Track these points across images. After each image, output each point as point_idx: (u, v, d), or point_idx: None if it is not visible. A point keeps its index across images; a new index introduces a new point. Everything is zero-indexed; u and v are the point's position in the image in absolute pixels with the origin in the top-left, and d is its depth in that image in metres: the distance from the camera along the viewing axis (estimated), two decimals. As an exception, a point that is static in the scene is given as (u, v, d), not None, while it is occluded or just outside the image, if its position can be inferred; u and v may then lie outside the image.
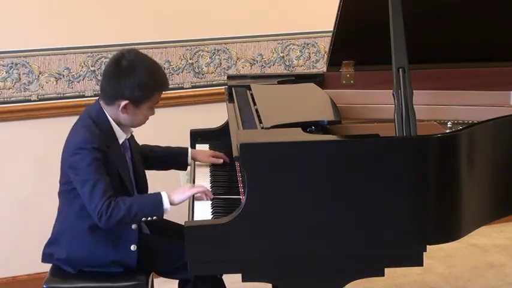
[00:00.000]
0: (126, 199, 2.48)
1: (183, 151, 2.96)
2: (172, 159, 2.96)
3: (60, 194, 2.68)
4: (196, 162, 2.96)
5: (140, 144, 2.90)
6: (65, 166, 2.60)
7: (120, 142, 2.64)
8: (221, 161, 2.91)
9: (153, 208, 2.48)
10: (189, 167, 2.96)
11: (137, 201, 2.49)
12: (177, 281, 2.77)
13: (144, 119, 2.65)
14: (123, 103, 2.56)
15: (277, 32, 3.93)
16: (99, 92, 2.67)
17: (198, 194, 2.53)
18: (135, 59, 2.58)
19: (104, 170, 2.50)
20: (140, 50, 2.68)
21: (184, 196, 2.52)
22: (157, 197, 2.49)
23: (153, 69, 2.61)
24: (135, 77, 2.54)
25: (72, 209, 2.60)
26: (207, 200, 2.52)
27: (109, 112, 2.61)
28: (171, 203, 2.49)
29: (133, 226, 2.59)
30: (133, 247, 2.59)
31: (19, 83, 3.56)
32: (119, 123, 2.63)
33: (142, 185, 2.77)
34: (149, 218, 2.49)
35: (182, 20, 3.75)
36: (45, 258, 2.70)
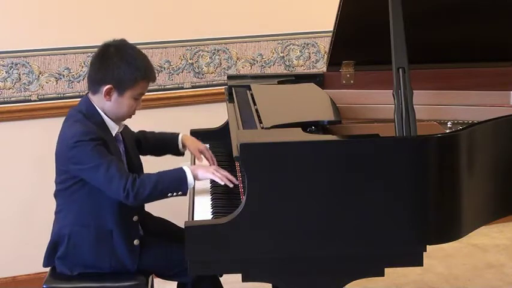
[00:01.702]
0: (150, 175, 2.49)
1: (174, 135, 2.94)
2: (164, 143, 2.94)
3: (56, 194, 2.65)
4: (196, 159, 2.94)
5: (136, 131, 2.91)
6: (61, 163, 2.58)
7: (113, 134, 2.62)
8: (204, 161, 2.86)
9: (178, 184, 2.49)
10: (188, 162, 2.95)
11: (162, 177, 2.49)
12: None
13: (129, 109, 2.61)
14: (107, 87, 2.54)
15: (277, 32, 3.93)
16: (87, 83, 2.66)
17: (220, 180, 2.51)
18: (120, 46, 2.59)
19: (108, 152, 2.50)
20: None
21: (207, 176, 2.53)
22: (182, 173, 2.50)
23: (139, 57, 2.59)
24: (119, 61, 2.55)
25: (71, 207, 2.59)
26: (230, 185, 2.51)
27: (96, 103, 2.59)
28: (195, 178, 2.51)
29: (135, 218, 2.59)
30: (136, 241, 2.59)
31: (19, 83, 3.56)
32: (108, 115, 2.62)
33: None
34: (174, 194, 2.49)
35: (182, 20, 3.75)
36: (48, 262, 2.67)
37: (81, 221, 2.58)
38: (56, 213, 2.68)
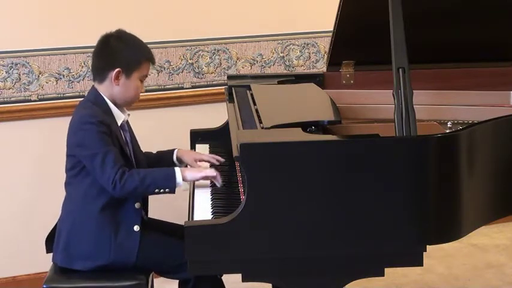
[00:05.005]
0: (140, 170, 2.58)
1: (170, 151, 2.95)
2: (159, 160, 2.94)
3: (66, 183, 2.70)
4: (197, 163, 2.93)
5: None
6: (69, 149, 2.64)
7: (119, 123, 2.69)
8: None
9: (166, 180, 2.55)
10: None
11: (151, 173, 2.57)
12: (177, 281, 2.77)
13: (136, 91, 2.69)
14: (115, 71, 2.63)
15: (277, 32, 3.93)
16: (92, 75, 2.72)
17: (209, 175, 2.60)
18: (119, 34, 2.71)
19: (111, 142, 2.57)
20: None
21: (196, 176, 2.61)
22: (171, 170, 2.57)
23: (138, 40, 2.73)
24: (122, 46, 2.67)
25: (78, 192, 2.63)
26: (218, 184, 2.59)
27: (104, 91, 2.67)
28: (184, 179, 2.56)
29: (137, 205, 2.62)
30: (136, 227, 2.61)
31: (19, 83, 3.56)
32: (114, 103, 2.68)
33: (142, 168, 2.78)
34: (162, 191, 2.55)
35: (182, 20, 3.75)
36: (49, 247, 2.72)
37: (85, 208, 2.61)
38: (64, 200, 2.72)
